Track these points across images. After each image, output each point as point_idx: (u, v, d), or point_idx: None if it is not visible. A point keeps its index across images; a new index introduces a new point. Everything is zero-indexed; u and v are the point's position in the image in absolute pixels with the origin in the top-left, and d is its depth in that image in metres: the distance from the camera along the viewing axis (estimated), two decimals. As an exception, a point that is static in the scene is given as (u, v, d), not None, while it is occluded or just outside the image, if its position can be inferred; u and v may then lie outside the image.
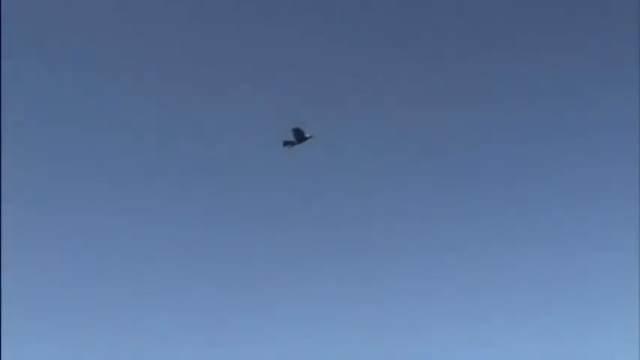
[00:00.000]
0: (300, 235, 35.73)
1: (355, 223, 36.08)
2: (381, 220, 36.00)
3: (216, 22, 38.86)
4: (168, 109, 37.89)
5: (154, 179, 36.66)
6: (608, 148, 37.04)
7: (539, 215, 35.98)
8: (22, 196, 34.66)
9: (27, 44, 36.78)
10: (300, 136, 28.05)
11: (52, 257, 34.16)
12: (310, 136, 28.02)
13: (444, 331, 32.63)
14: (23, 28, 36.55)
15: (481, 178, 37.12)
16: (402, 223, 35.95)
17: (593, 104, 37.71)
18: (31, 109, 36.65)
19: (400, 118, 38.26)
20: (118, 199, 35.88)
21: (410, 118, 38.30)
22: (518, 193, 36.72)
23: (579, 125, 37.78)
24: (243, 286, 34.06)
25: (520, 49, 38.86)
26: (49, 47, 37.43)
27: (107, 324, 32.32)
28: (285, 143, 28.89)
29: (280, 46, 38.62)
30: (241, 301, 33.48)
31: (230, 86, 38.27)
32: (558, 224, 35.66)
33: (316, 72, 38.70)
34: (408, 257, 35.02)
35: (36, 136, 36.48)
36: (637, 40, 36.86)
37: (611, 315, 32.37)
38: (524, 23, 39.28)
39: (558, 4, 38.94)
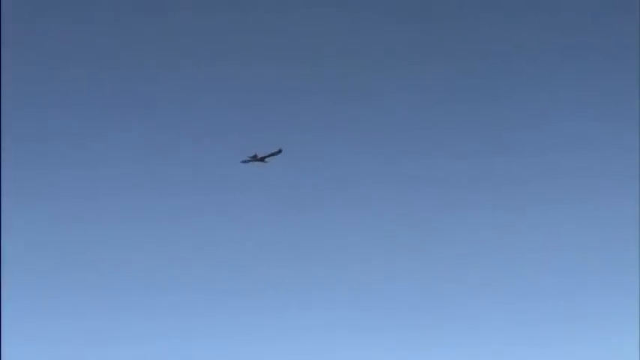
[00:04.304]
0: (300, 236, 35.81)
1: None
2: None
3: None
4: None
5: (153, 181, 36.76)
6: (607, 148, 37.04)
7: (538, 215, 36.00)
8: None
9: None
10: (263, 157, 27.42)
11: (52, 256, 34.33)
12: (280, 151, 27.51)
13: (444, 333, 32.69)
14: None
15: (477, 185, 37.11)
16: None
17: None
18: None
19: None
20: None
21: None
22: (517, 194, 36.74)
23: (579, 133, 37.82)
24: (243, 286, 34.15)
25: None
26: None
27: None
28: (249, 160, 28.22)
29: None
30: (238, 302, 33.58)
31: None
32: (558, 224, 35.70)
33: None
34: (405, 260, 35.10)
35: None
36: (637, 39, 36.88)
37: (611, 315, 32.38)
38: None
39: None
